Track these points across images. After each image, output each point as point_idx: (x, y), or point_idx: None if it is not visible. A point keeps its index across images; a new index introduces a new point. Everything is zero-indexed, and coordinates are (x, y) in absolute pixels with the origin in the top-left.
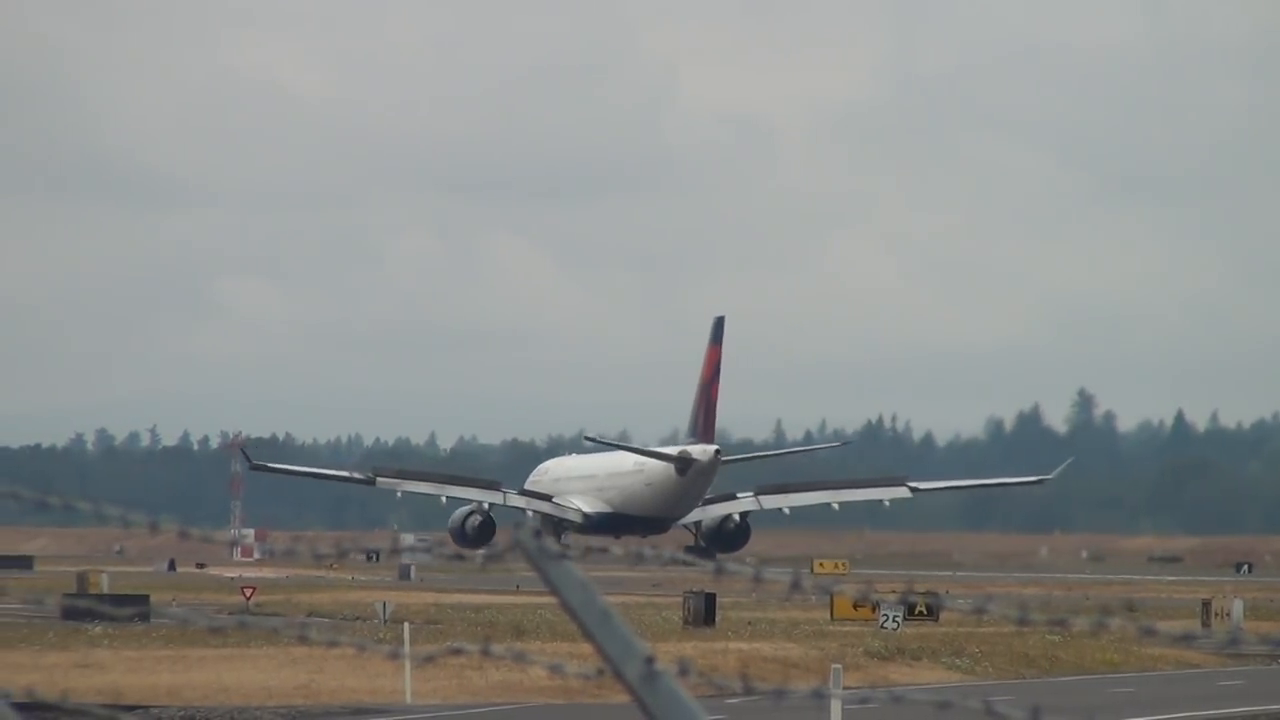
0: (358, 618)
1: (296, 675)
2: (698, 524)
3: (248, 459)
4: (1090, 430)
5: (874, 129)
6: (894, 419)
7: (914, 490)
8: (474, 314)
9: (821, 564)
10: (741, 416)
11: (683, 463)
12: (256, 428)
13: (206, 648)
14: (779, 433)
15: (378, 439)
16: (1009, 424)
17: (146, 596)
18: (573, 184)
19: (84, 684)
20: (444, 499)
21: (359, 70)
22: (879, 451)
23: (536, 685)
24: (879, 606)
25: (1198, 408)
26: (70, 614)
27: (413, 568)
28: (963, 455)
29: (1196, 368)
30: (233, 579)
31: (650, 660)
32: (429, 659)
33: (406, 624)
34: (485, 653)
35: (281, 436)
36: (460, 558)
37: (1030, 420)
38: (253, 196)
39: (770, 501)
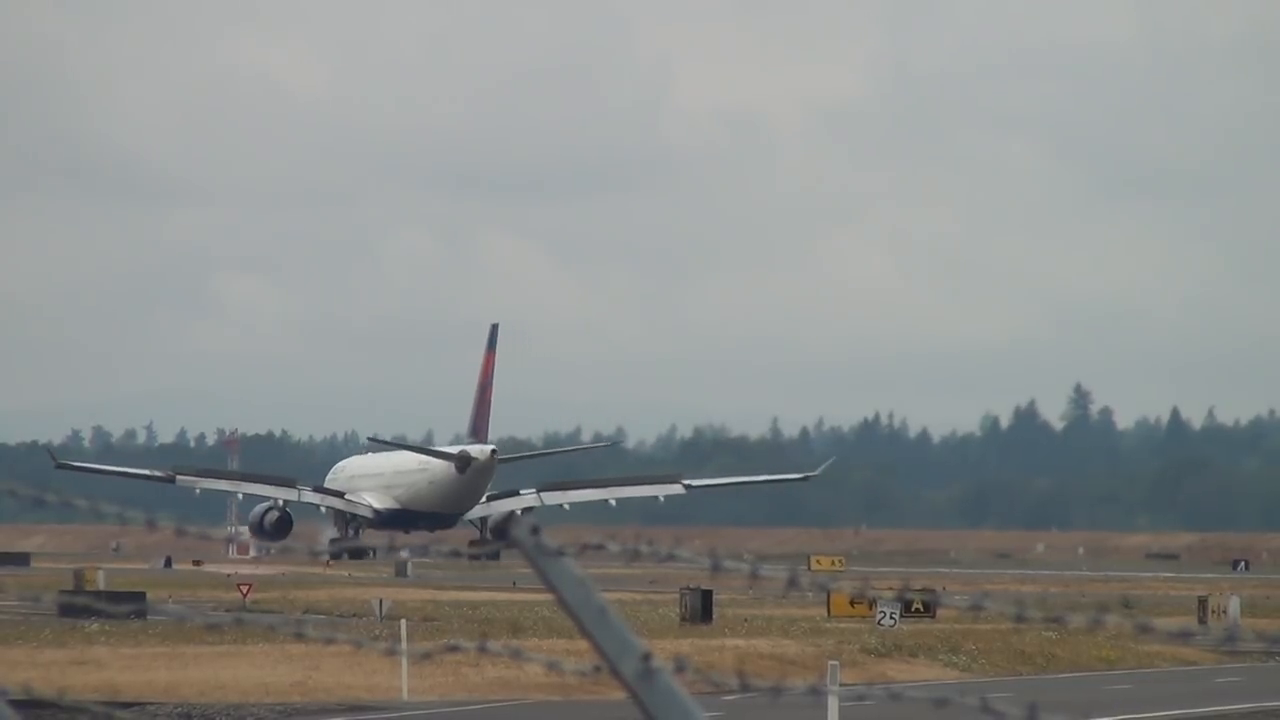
0: (354, 615)
1: (293, 672)
2: (483, 520)
3: (53, 458)
4: (1087, 427)
5: (872, 127)
6: (890, 416)
7: (688, 487)
8: (471, 311)
9: (819, 561)
10: (740, 414)
11: (462, 461)
12: (253, 425)
13: (203, 645)
14: (776, 430)
15: (375, 435)
16: (1005, 421)
17: (143, 594)
18: (571, 182)
19: (81, 681)
20: (240, 496)
21: (358, 69)
22: (875, 448)
23: (533, 682)
24: (876, 603)
25: (1194, 405)
26: (67, 611)
27: (409, 564)
28: (959, 452)
29: (1193, 365)
30: (229, 576)
31: (647, 657)
32: (426, 656)
33: (403, 621)
34: (482, 649)
35: (278, 433)
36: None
37: (1027, 417)
38: (251, 195)
39: (552, 498)
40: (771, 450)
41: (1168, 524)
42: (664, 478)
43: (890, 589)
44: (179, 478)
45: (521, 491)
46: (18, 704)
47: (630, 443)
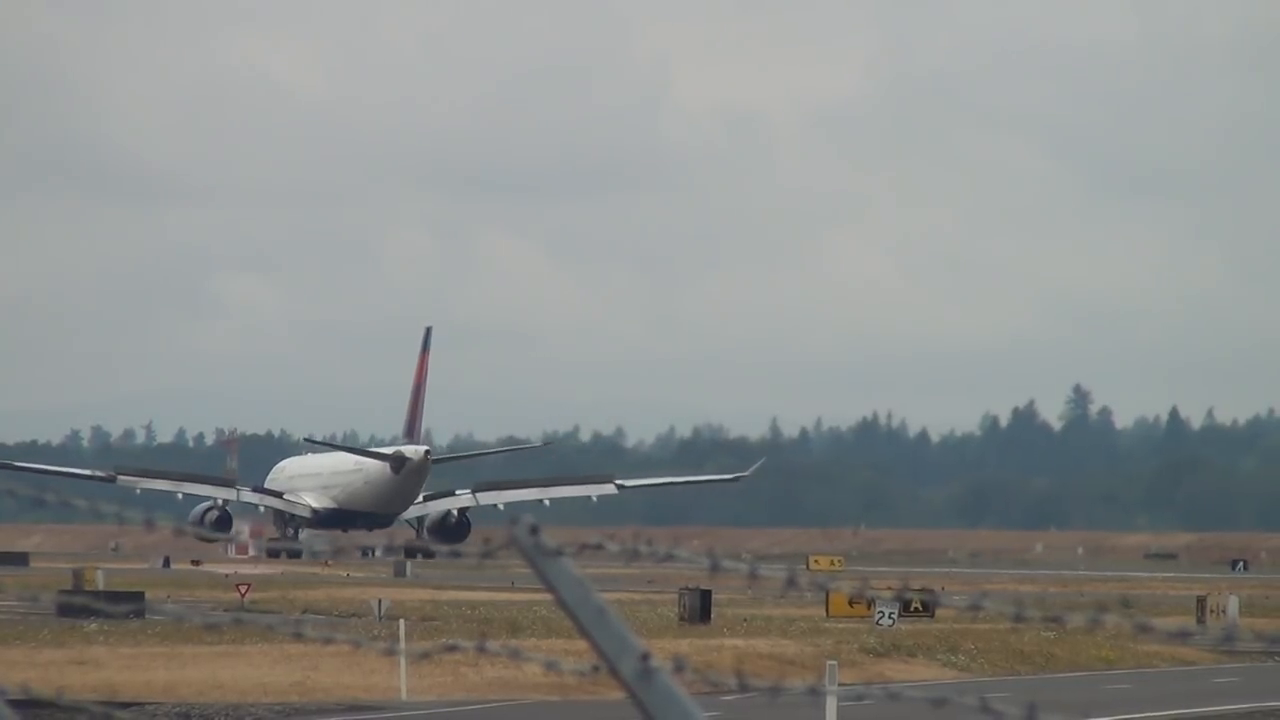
0: (353, 615)
1: (292, 672)
2: (420, 519)
3: None
4: (1086, 427)
5: (870, 126)
6: (889, 416)
7: (620, 487)
8: (470, 311)
9: (817, 560)
10: (739, 414)
11: (397, 462)
12: (252, 425)
13: (202, 644)
14: (775, 430)
15: (373, 435)
16: (1004, 420)
17: (142, 593)
18: (570, 182)
19: (79, 681)
20: (180, 495)
21: (357, 69)
22: (874, 448)
23: (532, 682)
24: (874, 603)
25: (1193, 404)
26: (66, 611)
27: (409, 564)
28: (957, 452)
29: (1192, 364)
30: (228, 576)
31: (646, 657)
32: (424, 656)
33: (402, 621)
34: (481, 649)
35: (277, 433)
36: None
37: (1026, 417)
38: (250, 194)
39: (487, 498)
40: (771, 450)
41: (1166, 524)
42: (597, 478)
43: (889, 589)
44: (120, 477)
45: (457, 491)
46: (16, 704)
47: (630, 442)
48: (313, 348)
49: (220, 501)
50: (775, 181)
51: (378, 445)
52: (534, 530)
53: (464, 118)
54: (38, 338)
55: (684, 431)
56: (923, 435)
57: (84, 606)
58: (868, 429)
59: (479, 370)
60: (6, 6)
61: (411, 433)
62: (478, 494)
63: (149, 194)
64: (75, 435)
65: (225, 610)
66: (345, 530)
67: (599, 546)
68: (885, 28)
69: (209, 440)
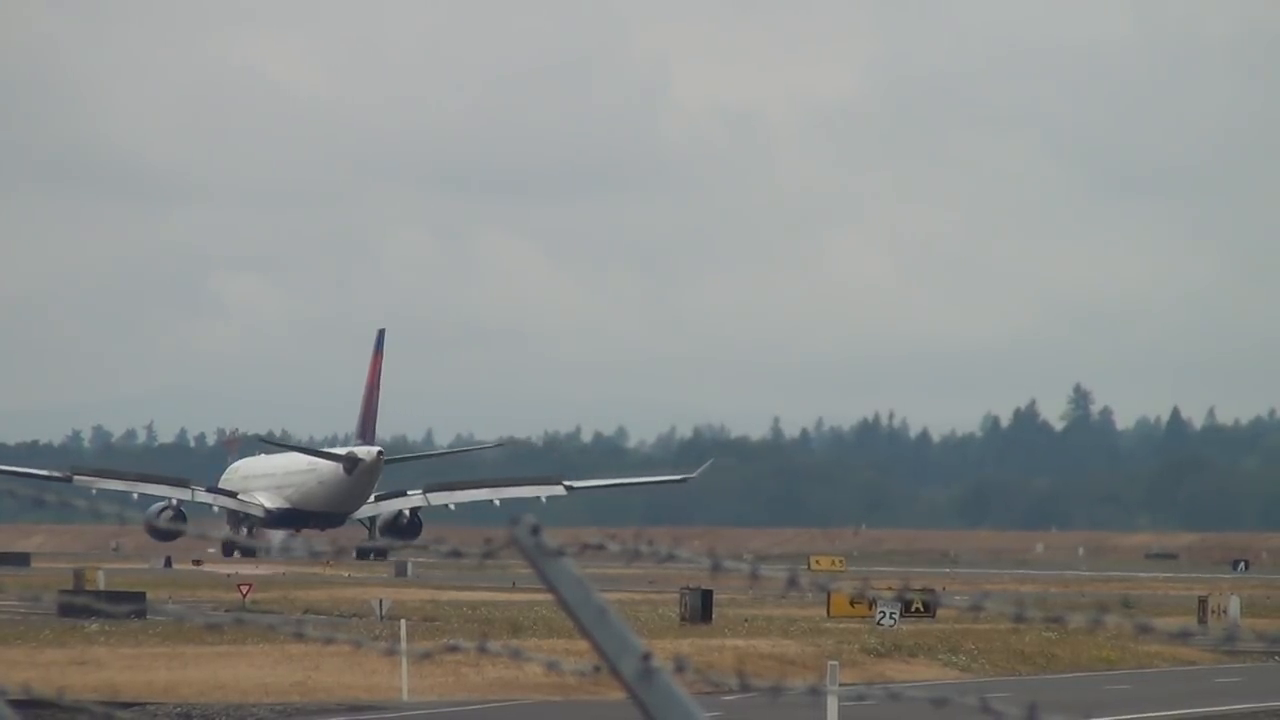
0: (354, 615)
1: (293, 672)
2: (373, 519)
3: None
4: (1087, 427)
5: (871, 127)
6: (890, 416)
7: (569, 489)
8: (470, 311)
9: (818, 561)
10: (740, 414)
11: (350, 462)
12: (253, 424)
13: (203, 644)
14: (776, 430)
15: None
16: (1005, 421)
17: (143, 594)
18: (569, 181)
19: (80, 681)
20: (136, 495)
21: (357, 68)
22: (875, 448)
23: (533, 682)
24: (875, 603)
25: (1194, 405)
26: (67, 611)
27: (410, 564)
28: (958, 452)
29: (1193, 365)
30: (229, 576)
31: (647, 657)
32: (426, 656)
33: (403, 621)
34: (482, 649)
35: (278, 433)
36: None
37: (1027, 417)
38: (249, 193)
39: (438, 498)
40: (772, 450)
41: (1167, 524)
42: (547, 479)
43: (890, 589)
44: (76, 477)
45: (409, 492)
46: (17, 704)
47: (630, 443)
48: (313, 348)
49: (175, 501)
50: (775, 181)
51: (382, 445)
52: (535, 530)
53: (464, 118)
54: (38, 338)
55: (685, 431)
56: (923, 435)
57: (85, 606)
58: (868, 429)
59: (479, 370)
60: (6, 6)
61: (364, 433)
62: (429, 494)
63: (149, 194)
64: (76, 435)
65: (226, 610)
66: (298, 530)
67: (599, 546)
68: (884, 27)
69: (210, 440)
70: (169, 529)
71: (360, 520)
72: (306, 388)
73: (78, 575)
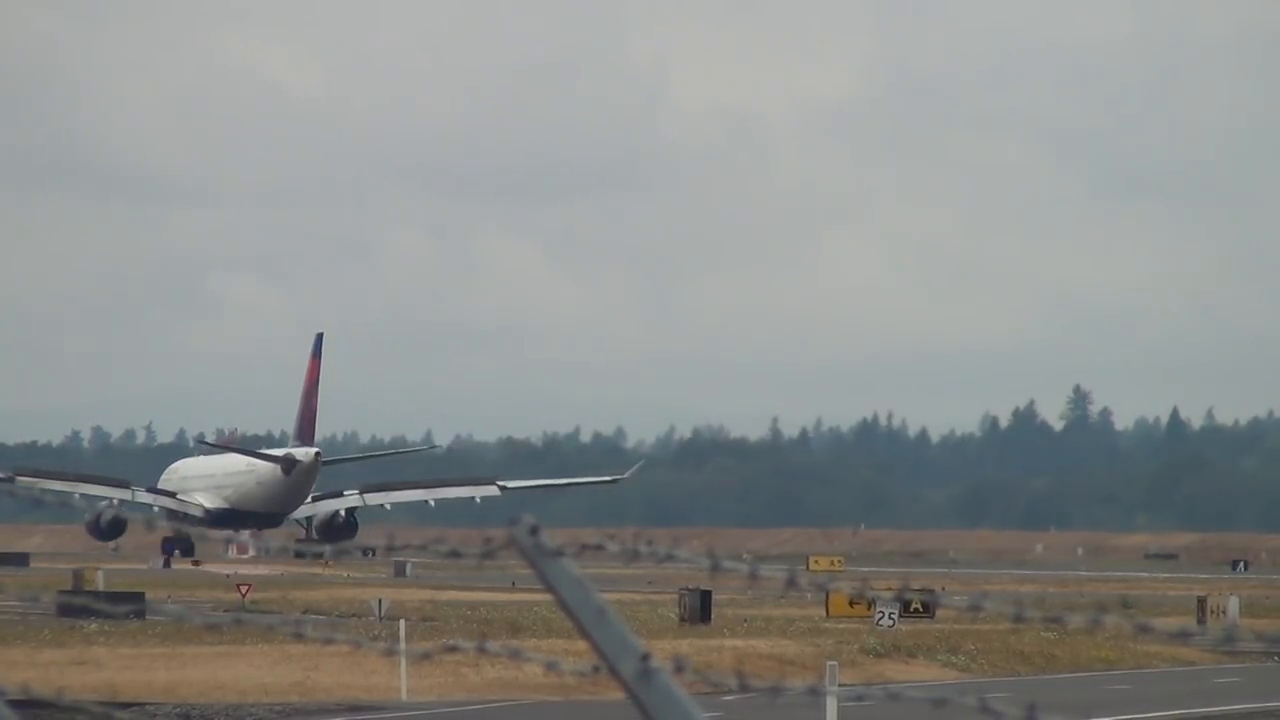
0: (353, 615)
1: (292, 672)
2: (309, 519)
3: None
4: (1086, 427)
5: (870, 127)
6: (890, 416)
7: (503, 489)
8: (470, 312)
9: (817, 561)
10: (739, 414)
11: (288, 464)
12: (252, 425)
13: (202, 645)
14: (775, 430)
15: (373, 436)
16: (1004, 421)
17: (142, 594)
18: (567, 182)
19: (80, 681)
20: (78, 495)
21: (356, 70)
22: (874, 449)
23: (532, 682)
24: (875, 604)
25: (1193, 405)
26: (66, 611)
27: (409, 564)
28: (958, 452)
29: (1192, 365)
30: (228, 576)
31: (646, 657)
32: (425, 656)
33: (402, 621)
34: (481, 650)
35: (277, 434)
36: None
37: (1026, 417)
38: (249, 194)
39: (374, 498)
40: (771, 451)
41: (1167, 524)
42: (480, 480)
43: (889, 589)
44: (19, 478)
45: (345, 492)
46: (16, 704)
47: (630, 443)
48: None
49: (115, 502)
50: (775, 182)
51: (378, 446)
52: (534, 530)
53: (463, 119)
54: (38, 338)
55: (684, 431)
56: (923, 435)
57: (84, 607)
58: (868, 429)
59: (479, 370)
60: (6, 6)
61: (302, 435)
62: (365, 494)
63: (149, 194)
64: (75, 435)
65: (226, 610)
66: (237, 530)
67: (599, 547)
68: (884, 28)
69: (209, 440)
70: (110, 529)
71: (297, 520)
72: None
73: (77, 575)
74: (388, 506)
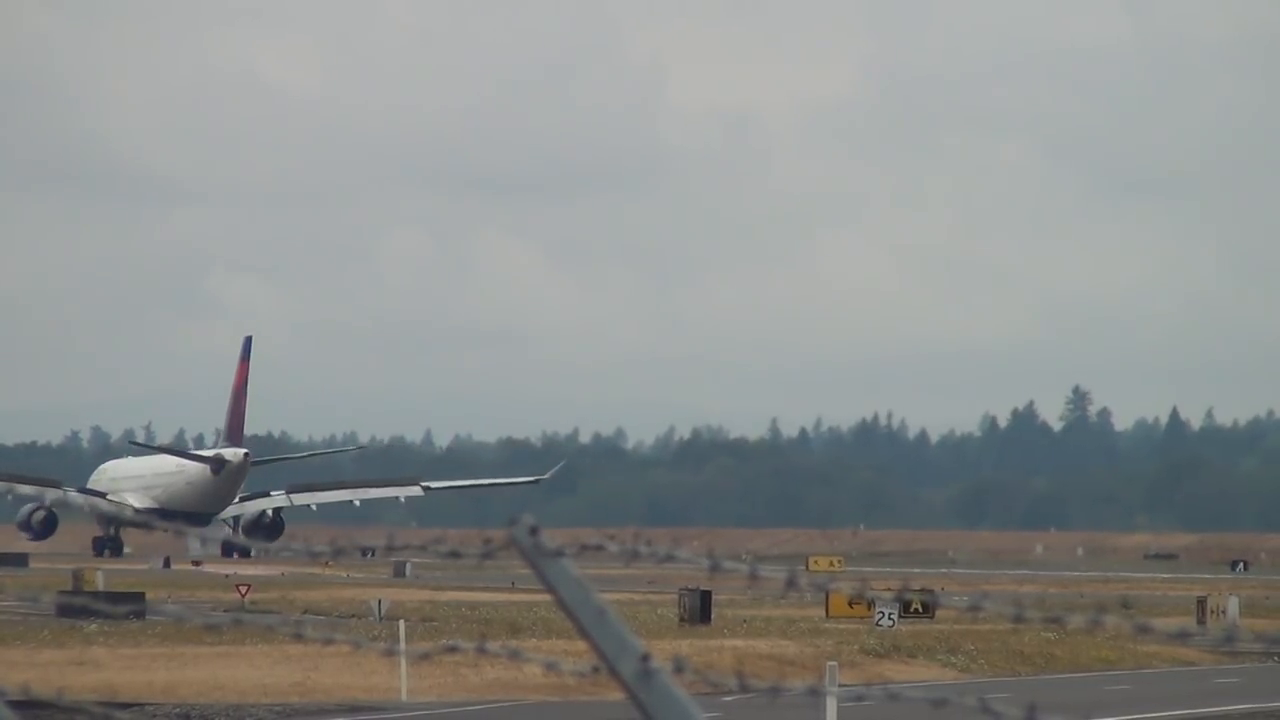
0: (353, 615)
1: (292, 673)
2: (237, 518)
3: None
4: (1085, 427)
5: (869, 127)
6: (889, 416)
7: (426, 489)
8: (469, 312)
9: (817, 561)
10: (739, 415)
11: (217, 464)
12: (252, 425)
13: (202, 645)
14: (775, 430)
15: (373, 437)
16: (1004, 421)
17: (142, 594)
18: (567, 182)
19: (79, 681)
20: (10, 496)
21: (355, 69)
22: (874, 449)
23: (532, 683)
24: (874, 604)
25: (1193, 405)
26: (65, 611)
27: (408, 565)
28: (957, 452)
29: (1192, 365)
30: (228, 576)
31: (646, 658)
32: (424, 656)
33: (402, 621)
34: (481, 650)
35: (277, 434)
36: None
37: (1025, 417)
38: (249, 194)
39: (300, 499)
40: (771, 451)
41: (1166, 524)
42: (404, 480)
43: (889, 589)
44: None
45: (272, 492)
46: (16, 704)
47: (629, 443)
48: (313, 348)
49: (47, 501)
50: (775, 182)
51: (376, 446)
52: (534, 530)
53: (462, 118)
54: (38, 338)
55: (684, 432)
56: (922, 436)
57: (84, 607)
58: (868, 429)
59: (478, 370)
60: (4, 6)
61: (231, 435)
62: (291, 494)
63: (148, 194)
64: (75, 435)
65: (225, 611)
66: (165, 530)
67: (599, 547)
68: (882, 28)
69: (209, 440)
70: (42, 528)
71: (225, 520)
72: (306, 388)
73: (76, 576)
74: (314, 507)
